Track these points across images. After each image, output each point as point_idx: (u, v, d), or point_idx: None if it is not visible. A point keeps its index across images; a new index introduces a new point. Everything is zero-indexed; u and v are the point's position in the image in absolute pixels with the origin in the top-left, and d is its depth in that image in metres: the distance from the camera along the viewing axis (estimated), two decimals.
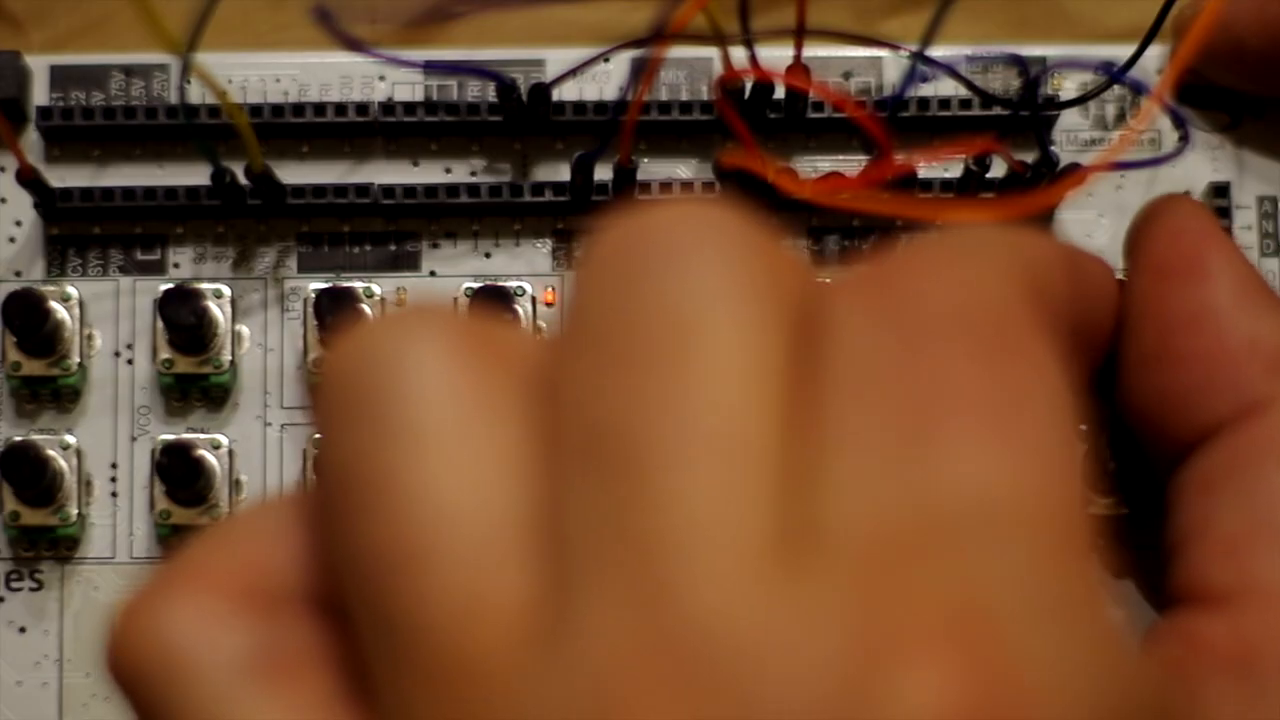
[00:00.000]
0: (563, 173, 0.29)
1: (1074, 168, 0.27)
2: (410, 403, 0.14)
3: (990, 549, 0.13)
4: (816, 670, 0.12)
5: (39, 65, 0.29)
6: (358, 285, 0.28)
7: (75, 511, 0.28)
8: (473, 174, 0.29)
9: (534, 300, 0.28)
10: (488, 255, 0.29)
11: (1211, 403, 0.21)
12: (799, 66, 0.26)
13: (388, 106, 0.28)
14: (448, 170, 0.29)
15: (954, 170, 0.29)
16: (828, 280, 0.15)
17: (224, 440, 0.28)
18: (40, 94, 0.29)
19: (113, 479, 0.28)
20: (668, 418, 0.13)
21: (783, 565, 0.13)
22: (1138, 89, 0.29)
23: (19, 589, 0.28)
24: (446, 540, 0.13)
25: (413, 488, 0.14)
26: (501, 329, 0.15)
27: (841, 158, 0.29)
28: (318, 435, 0.15)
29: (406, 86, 0.29)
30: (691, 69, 0.29)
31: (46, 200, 0.28)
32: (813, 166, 0.29)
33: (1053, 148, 0.28)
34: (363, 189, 0.28)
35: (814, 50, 0.27)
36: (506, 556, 0.13)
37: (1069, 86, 0.29)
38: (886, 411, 0.14)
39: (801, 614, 0.12)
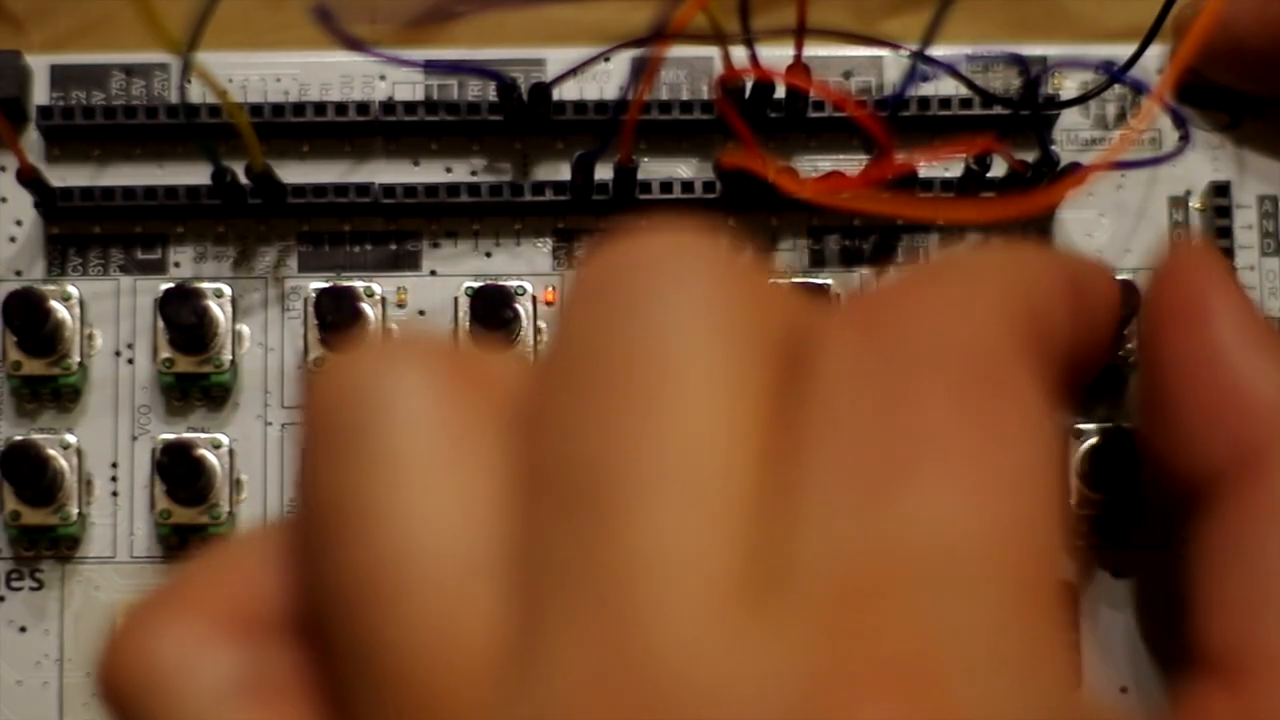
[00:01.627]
0: (563, 172, 0.28)
1: (1074, 167, 0.27)
2: (390, 433, 0.14)
3: (950, 594, 0.13)
4: (767, 710, 0.12)
5: (39, 65, 0.29)
6: (358, 285, 0.28)
7: (76, 511, 0.28)
8: (473, 173, 0.29)
9: (534, 300, 0.28)
10: (488, 255, 0.29)
11: (1211, 450, 0.21)
12: (799, 66, 0.26)
13: (388, 106, 0.28)
14: (448, 170, 0.29)
15: (954, 170, 0.29)
16: (819, 311, 0.15)
17: (224, 440, 0.28)
18: (40, 93, 0.29)
19: (113, 478, 0.28)
20: (639, 452, 0.13)
21: (746, 604, 0.13)
22: (1138, 88, 0.29)
23: (19, 588, 0.28)
24: (419, 571, 0.14)
25: (388, 518, 0.14)
26: (488, 359, 0.15)
27: (842, 157, 0.29)
28: (301, 461, 0.15)
29: (407, 86, 0.29)
30: (692, 68, 0.29)
31: (47, 200, 0.28)
32: (813, 166, 0.29)
33: (1053, 147, 0.28)
34: (363, 188, 0.28)
35: (814, 50, 0.27)
36: (479, 589, 0.13)
37: (1069, 86, 0.29)
38: (862, 452, 0.14)
39: (759, 654, 0.12)
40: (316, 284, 0.28)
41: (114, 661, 0.15)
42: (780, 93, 0.28)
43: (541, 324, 0.28)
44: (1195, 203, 0.29)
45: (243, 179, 0.28)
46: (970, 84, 0.28)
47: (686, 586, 0.13)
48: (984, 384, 0.14)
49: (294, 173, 0.29)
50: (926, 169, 0.28)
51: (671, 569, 0.13)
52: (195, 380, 0.28)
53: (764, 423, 0.14)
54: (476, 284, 0.28)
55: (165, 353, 0.28)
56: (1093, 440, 0.27)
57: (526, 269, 0.29)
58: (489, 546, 0.14)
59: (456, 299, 0.28)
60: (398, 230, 0.29)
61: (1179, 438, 0.21)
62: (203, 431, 0.28)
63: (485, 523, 0.14)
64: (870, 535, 0.13)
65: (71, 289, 0.28)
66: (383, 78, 0.29)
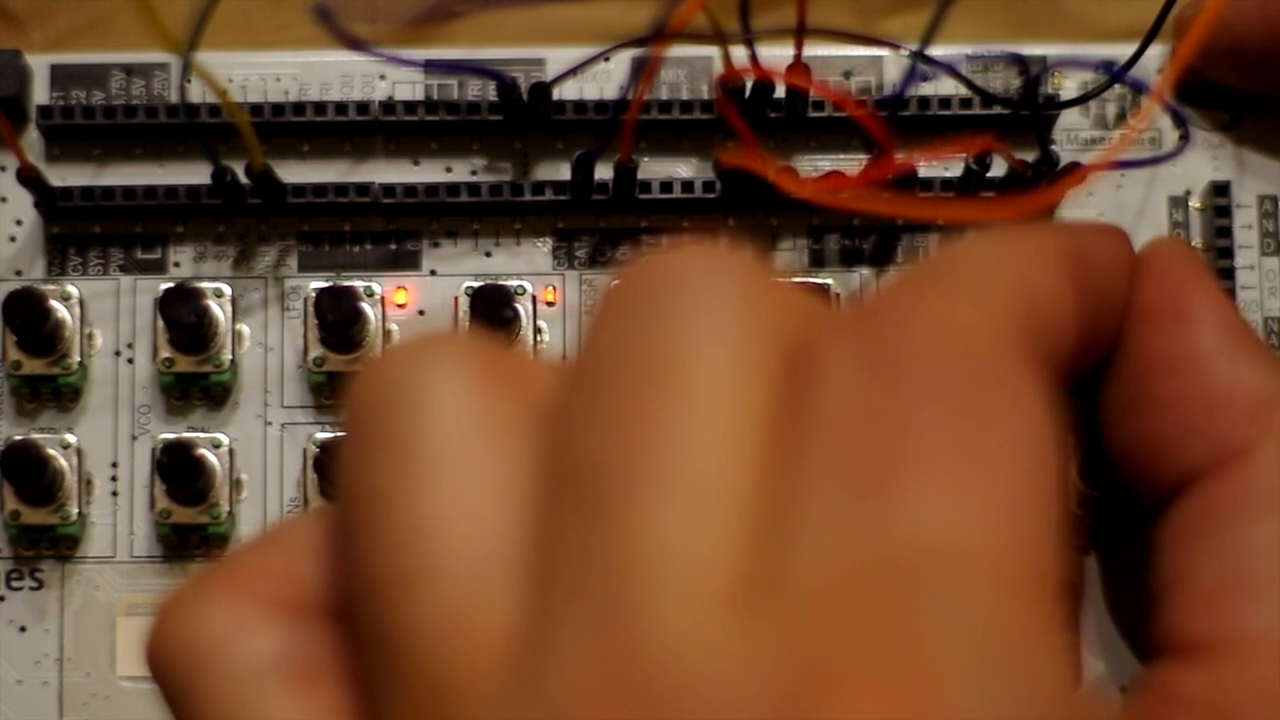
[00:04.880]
0: (563, 172, 0.29)
1: (1074, 167, 0.27)
2: (420, 428, 0.15)
3: (940, 595, 0.13)
4: (754, 709, 0.12)
5: (39, 64, 0.29)
6: (358, 284, 0.28)
7: (76, 510, 0.28)
8: (473, 173, 0.29)
9: (534, 299, 0.28)
10: (488, 254, 0.29)
11: (1190, 450, 0.21)
12: (799, 65, 0.26)
13: (388, 105, 0.29)
14: (448, 169, 0.29)
15: (954, 169, 0.29)
16: (827, 318, 0.15)
17: (224, 439, 0.28)
18: (41, 93, 0.29)
19: (113, 478, 0.28)
20: (649, 456, 0.14)
21: (742, 606, 0.13)
22: (1138, 88, 0.29)
23: (19, 588, 0.28)
24: (440, 563, 0.14)
25: (414, 510, 0.14)
26: (521, 359, 0.16)
27: (842, 157, 0.29)
28: (341, 453, 0.15)
29: (407, 85, 0.29)
30: (692, 68, 0.29)
31: (47, 199, 0.28)
32: (813, 166, 0.29)
33: (1053, 147, 0.28)
34: (363, 188, 0.28)
35: (814, 49, 0.27)
36: (496, 583, 0.14)
37: (1069, 86, 0.29)
38: (856, 457, 0.14)
39: (750, 655, 0.13)
40: (316, 283, 0.28)
41: (160, 636, 0.15)
42: (780, 92, 0.28)
43: (541, 323, 0.28)
44: (1195, 202, 0.29)
45: (243, 178, 0.28)
46: (970, 84, 0.28)
47: (686, 587, 0.13)
48: (976, 386, 0.14)
49: (294, 172, 0.29)
50: (926, 169, 0.28)
51: (673, 570, 0.13)
52: (195, 380, 0.28)
53: (769, 430, 0.14)
54: (476, 283, 0.28)
55: (165, 352, 0.28)
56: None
57: (526, 268, 0.29)
58: (509, 541, 0.14)
59: (456, 298, 0.28)
60: (398, 230, 0.29)
61: (1157, 438, 0.21)
62: (202, 431, 0.28)
63: (507, 518, 0.14)
64: (863, 538, 0.13)
65: (71, 288, 0.28)
66: (383, 77, 0.29)
